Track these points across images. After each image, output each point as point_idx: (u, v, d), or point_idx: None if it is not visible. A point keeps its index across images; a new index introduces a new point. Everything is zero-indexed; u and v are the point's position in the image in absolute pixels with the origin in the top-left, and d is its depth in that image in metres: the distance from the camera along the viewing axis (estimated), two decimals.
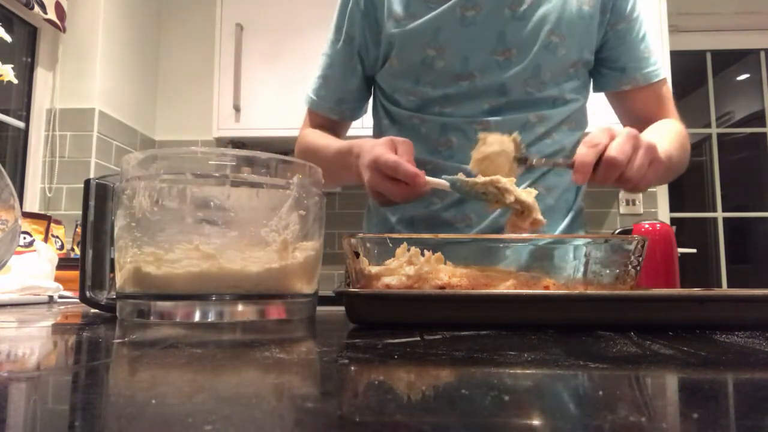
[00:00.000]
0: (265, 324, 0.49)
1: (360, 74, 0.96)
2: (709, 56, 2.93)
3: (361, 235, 0.52)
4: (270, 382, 0.27)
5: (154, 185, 0.48)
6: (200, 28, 2.68)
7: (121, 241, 0.50)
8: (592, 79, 0.96)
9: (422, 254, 0.51)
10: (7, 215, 0.59)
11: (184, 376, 0.27)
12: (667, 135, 0.84)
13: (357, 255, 0.52)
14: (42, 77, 2.28)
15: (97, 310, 0.57)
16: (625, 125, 0.98)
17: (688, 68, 2.93)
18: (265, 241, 0.49)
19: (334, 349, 0.36)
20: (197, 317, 0.47)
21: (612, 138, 0.65)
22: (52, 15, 2.17)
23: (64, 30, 2.27)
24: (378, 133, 0.99)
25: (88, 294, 0.54)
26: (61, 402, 0.22)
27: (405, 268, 0.50)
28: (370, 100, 1.03)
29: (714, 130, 2.94)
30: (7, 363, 0.31)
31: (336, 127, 1.01)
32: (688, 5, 2.68)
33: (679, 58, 2.54)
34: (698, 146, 3.18)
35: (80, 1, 2.32)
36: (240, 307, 0.48)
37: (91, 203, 0.54)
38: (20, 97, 2.26)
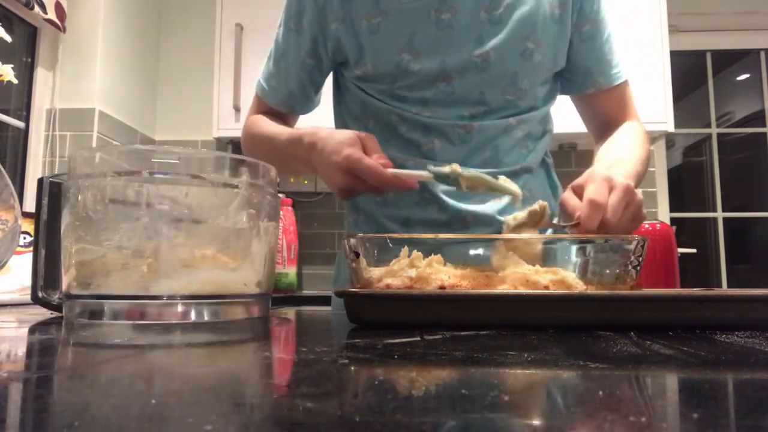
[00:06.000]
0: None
1: (310, 68, 0.92)
2: (709, 56, 2.93)
3: (361, 235, 0.52)
4: (269, 382, 0.27)
5: (98, 183, 0.47)
6: (200, 28, 2.68)
7: (67, 240, 0.49)
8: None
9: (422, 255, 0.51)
10: (7, 215, 0.59)
11: (184, 376, 0.27)
12: (633, 150, 0.85)
13: (357, 255, 0.51)
14: (42, 77, 2.28)
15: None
16: (588, 127, 1.00)
17: (688, 68, 2.93)
18: (216, 240, 0.49)
19: (334, 349, 0.36)
20: (153, 318, 0.46)
21: (611, 190, 0.64)
22: (52, 15, 2.17)
23: (64, 30, 2.26)
24: (342, 124, 0.96)
25: (40, 294, 0.54)
26: (61, 402, 0.22)
27: (407, 271, 0.50)
28: (329, 94, 0.98)
29: (714, 130, 2.93)
30: (7, 363, 0.31)
31: (285, 118, 0.98)
32: (688, 5, 2.68)
33: (679, 58, 2.54)
34: (698, 146, 3.18)
35: (80, 1, 2.32)
36: (193, 307, 0.48)
37: (44, 201, 0.54)
38: (20, 97, 2.25)
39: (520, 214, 0.62)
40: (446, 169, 0.66)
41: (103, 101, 2.32)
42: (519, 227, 0.61)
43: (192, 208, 0.48)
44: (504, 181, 0.65)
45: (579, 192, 0.67)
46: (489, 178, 0.66)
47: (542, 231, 0.73)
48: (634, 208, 0.65)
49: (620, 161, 0.80)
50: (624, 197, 0.63)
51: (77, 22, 2.31)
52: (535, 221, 0.61)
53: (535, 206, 0.61)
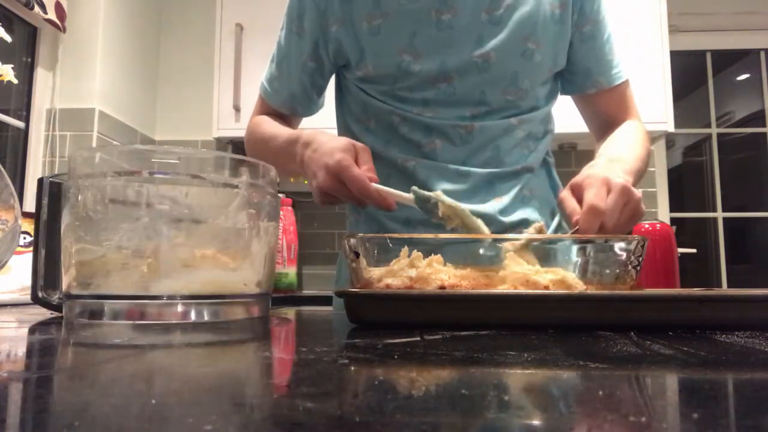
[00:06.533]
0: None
1: (311, 71, 0.92)
2: (709, 56, 2.93)
3: (361, 235, 0.52)
4: (269, 382, 0.27)
5: (98, 183, 0.47)
6: (200, 28, 2.68)
7: (67, 240, 0.49)
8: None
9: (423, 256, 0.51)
10: (7, 215, 0.59)
11: (184, 376, 0.27)
12: (633, 149, 0.85)
13: (357, 255, 0.51)
14: (42, 77, 2.28)
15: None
16: (589, 126, 1.00)
17: (688, 68, 2.93)
18: (216, 240, 0.49)
19: (334, 349, 0.36)
20: (153, 318, 0.46)
21: (609, 192, 0.65)
22: (52, 15, 2.17)
23: (64, 30, 2.26)
24: (344, 125, 0.96)
25: (40, 294, 0.54)
26: (61, 402, 0.22)
27: (407, 271, 0.50)
28: (332, 95, 0.99)
29: (714, 130, 2.93)
30: (7, 363, 0.31)
31: (288, 119, 0.98)
32: (688, 5, 2.68)
33: (679, 58, 2.54)
34: (698, 146, 3.18)
35: (80, 1, 2.32)
36: (193, 307, 0.48)
37: (44, 201, 0.54)
38: (20, 97, 2.25)
39: (519, 242, 0.62)
40: (430, 193, 0.66)
41: (103, 101, 2.32)
42: (519, 251, 0.62)
43: (192, 208, 0.48)
44: (481, 224, 0.65)
45: (577, 192, 0.67)
46: (468, 214, 0.65)
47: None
48: (632, 207, 0.66)
49: (619, 159, 0.80)
50: (621, 198, 0.64)
51: (77, 22, 2.31)
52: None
53: (531, 230, 0.61)
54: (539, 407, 0.22)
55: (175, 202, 0.47)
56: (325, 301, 1.75)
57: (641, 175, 0.84)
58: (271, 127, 0.92)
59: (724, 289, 0.81)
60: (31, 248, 0.88)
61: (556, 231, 0.93)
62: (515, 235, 0.60)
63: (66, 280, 0.49)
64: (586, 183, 0.66)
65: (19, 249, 0.84)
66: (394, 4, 0.84)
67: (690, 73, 2.96)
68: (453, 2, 0.84)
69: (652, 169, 2.59)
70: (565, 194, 0.68)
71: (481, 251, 0.55)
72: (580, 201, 0.65)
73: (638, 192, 0.67)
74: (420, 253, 0.51)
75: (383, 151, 0.88)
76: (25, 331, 0.46)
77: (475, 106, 0.86)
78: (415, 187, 0.67)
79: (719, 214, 2.87)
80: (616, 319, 0.44)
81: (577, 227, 0.63)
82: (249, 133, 0.97)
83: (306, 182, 2.81)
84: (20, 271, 0.81)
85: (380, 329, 0.44)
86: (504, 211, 0.86)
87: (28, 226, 0.85)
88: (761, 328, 0.43)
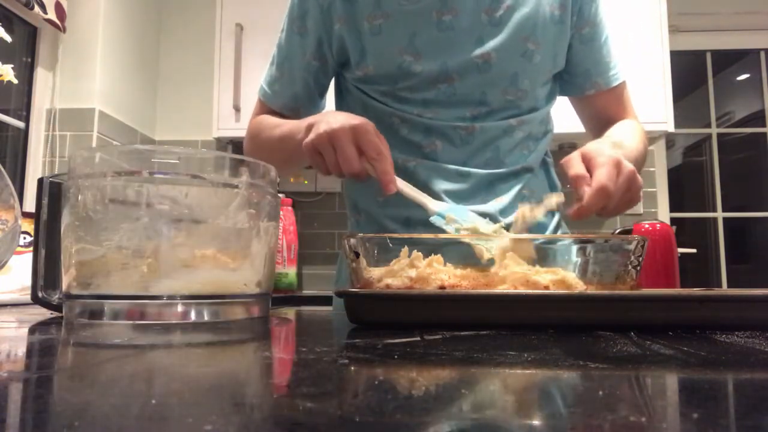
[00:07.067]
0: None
1: (315, 70, 0.92)
2: (709, 56, 2.93)
3: (361, 235, 0.52)
4: (269, 382, 0.27)
5: (98, 183, 0.47)
6: (200, 28, 2.68)
7: (67, 240, 0.49)
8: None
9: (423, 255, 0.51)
10: (7, 215, 0.59)
11: (184, 376, 0.27)
12: (632, 141, 0.87)
13: (357, 255, 0.51)
14: (42, 77, 2.28)
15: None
16: (587, 127, 1.01)
17: (688, 68, 2.93)
18: (216, 240, 0.49)
19: (334, 349, 0.36)
20: (153, 318, 0.46)
21: (618, 174, 0.66)
22: (52, 15, 2.17)
23: (64, 30, 2.26)
24: None
25: (40, 294, 0.54)
26: (61, 402, 0.22)
27: (407, 271, 0.50)
28: (332, 98, 0.99)
29: (714, 130, 2.93)
30: (7, 363, 0.31)
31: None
32: (688, 5, 2.68)
33: (679, 58, 2.54)
34: (698, 146, 3.18)
35: (80, 1, 2.32)
36: (193, 307, 0.48)
37: (44, 201, 0.54)
38: (20, 97, 2.25)
39: (539, 212, 0.63)
40: (461, 228, 0.66)
41: (103, 101, 2.32)
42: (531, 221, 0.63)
43: (192, 208, 0.48)
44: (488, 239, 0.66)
45: (587, 164, 0.67)
46: (482, 227, 0.66)
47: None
48: (632, 193, 0.68)
49: (620, 145, 0.80)
50: (627, 183, 0.66)
51: (77, 22, 2.31)
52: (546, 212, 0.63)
53: (553, 204, 0.62)
54: (539, 407, 0.22)
55: (175, 202, 0.47)
56: (325, 301, 1.75)
57: (638, 167, 0.84)
58: (278, 119, 0.92)
59: (724, 289, 0.81)
60: (31, 248, 0.88)
61: (555, 230, 0.93)
62: (514, 235, 0.60)
63: (66, 280, 0.49)
64: (599, 161, 0.66)
65: (19, 249, 0.84)
66: (394, 4, 0.85)
67: (690, 73, 2.96)
68: (453, 3, 0.84)
69: (652, 169, 2.59)
70: (575, 157, 0.68)
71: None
72: (587, 171, 0.66)
73: (640, 180, 0.69)
74: (420, 253, 0.51)
75: None
76: (25, 331, 0.46)
77: (475, 107, 0.87)
78: (450, 214, 0.68)
79: (719, 214, 2.87)
80: (616, 319, 0.44)
81: (581, 204, 0.64)
82: (252, 128, 0.96)
83: (306, 182, 2.76)
84: (20, 271, 0.81)
85: (380, 329, 0.44)
86: (504, 211, 0.86)
87: (28, 226, 0.85)
88: (761, 328, 0.43)
